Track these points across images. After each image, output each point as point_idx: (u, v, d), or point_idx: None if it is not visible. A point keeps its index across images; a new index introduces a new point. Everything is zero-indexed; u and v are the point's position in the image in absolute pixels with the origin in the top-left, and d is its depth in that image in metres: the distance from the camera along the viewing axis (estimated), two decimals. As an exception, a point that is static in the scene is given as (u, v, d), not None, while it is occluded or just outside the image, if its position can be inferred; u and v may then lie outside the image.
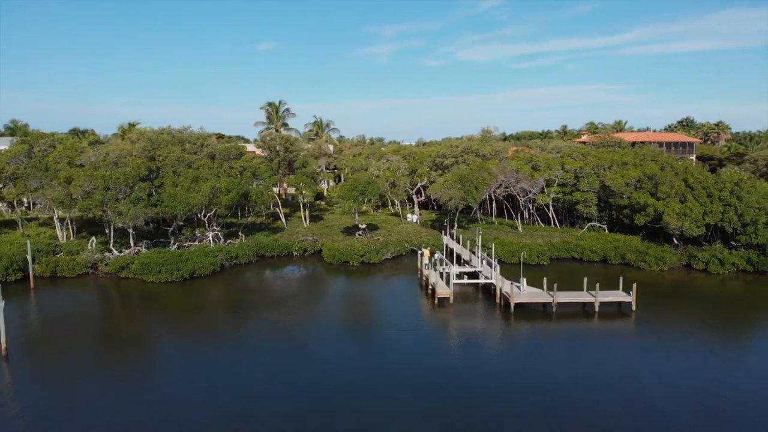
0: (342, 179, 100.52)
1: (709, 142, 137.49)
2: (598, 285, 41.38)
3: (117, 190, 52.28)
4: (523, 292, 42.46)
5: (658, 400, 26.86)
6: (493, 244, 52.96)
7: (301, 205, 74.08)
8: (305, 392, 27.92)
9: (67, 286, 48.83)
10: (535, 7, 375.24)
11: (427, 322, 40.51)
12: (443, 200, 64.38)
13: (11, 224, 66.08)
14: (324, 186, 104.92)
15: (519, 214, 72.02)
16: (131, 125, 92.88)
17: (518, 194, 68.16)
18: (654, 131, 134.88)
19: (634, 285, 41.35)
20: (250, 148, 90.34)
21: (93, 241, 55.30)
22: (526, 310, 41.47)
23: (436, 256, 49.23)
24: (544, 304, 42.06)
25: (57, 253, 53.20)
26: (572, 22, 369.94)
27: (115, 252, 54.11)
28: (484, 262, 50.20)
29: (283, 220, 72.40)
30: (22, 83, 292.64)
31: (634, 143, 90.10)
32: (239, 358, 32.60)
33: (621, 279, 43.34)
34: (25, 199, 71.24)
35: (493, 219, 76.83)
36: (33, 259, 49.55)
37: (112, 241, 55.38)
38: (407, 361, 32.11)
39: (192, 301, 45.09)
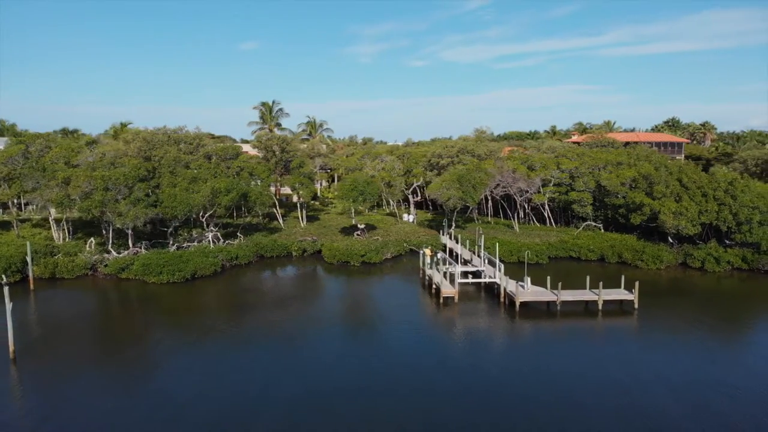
0: (335, 179, 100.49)
1: (695, 142, 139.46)
2: (601, 284, 41.96)
3: (116, 191, 51.83)
4: (527, 291, 42.89)
5: (664, 399, 27.38)
6: (497, 244, 53.36)
7: (299, 205, 73.99)
8: (320, 392, 28.07)
9: (67, 287, 48.35)
10: (517, 8, 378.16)
11: (434, 321, 40.80)
12: (442, 200, 64.68)
13: (5, 225, 65.22)
14: (318, 186, 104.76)
15: (515, 214, 72.57)
16: (123, 125, 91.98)
17: (515, 194, 68.71)
18: (640, 131, 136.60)
19: (637, 283, 41.98)
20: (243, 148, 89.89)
21: (92, 242, 54.78)
22: (530, 308, 41.93)
23: (439, 255, 49.52)
24: (548, 303, 42.53)
25: (55, 255, 52.63)
26: (554, 23, 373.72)
27: (114, 253, 53.67)
28: (486, 261, 50.58)
29: (281, 220, 72.24)
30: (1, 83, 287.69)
31: (627, 143, 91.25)
32: (247, 360, 32.60)
33: (623, 278, 43.99)
34: (15, 200, 70.23)
35: (489, 219, 77.37)
36: (32, 261, 48.99)
37: (110, 242, 54.90)
38: (421, 361, 32.35)
39: (196, 302, 44.93)
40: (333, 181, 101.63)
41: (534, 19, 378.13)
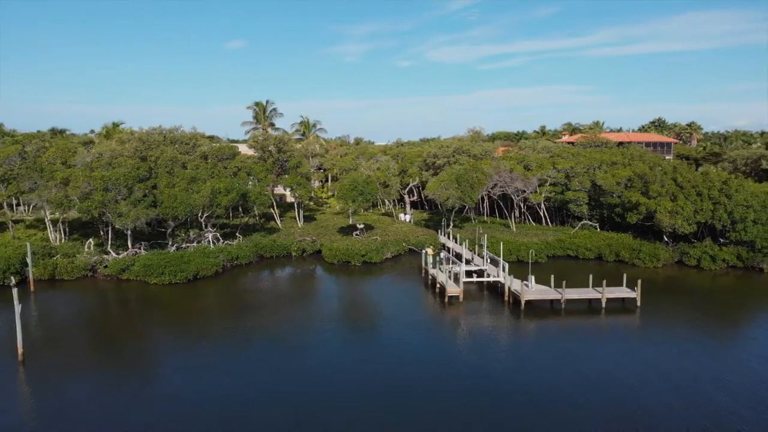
0: (329, 179, 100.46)
1: (681, 142, 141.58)
2: (605, 282, 42.55)
3: (116, 191, 51.42)
4: (531, 290, 43.36)
5: (669, 397, 27.93)
6: (501, 243, 53.83)
7: (296, 205, 73.93)
8: (338, 393, 28.18)
9: (67, 289, 47.92)
10: (501, 9, 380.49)
11: (441, 320, 41.07)
12: (440, 200, 65.03)
13: (-1, 227, 64.36)
14: (312, 186, 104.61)
15: (512, 214, 73.17)
16: (115, 125, 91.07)
17: (513, 194, 69.29)
18: (629, 132, 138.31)
19: (639, 281, 42.66)
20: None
21: (90, 243, 54.28)
22: (535, 307, 42.39)
23: (442, 255, 49.83)
24: (552, 301, 43.04)
25: (53, 256, 52.07)
26: (538, 23, 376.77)
27: (113, 254, 53.23)
28: (488, 260, 51.00)
29: (278, 220, 72.12)
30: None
31: (620, 143, 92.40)
32: (254, 360, 32.60)
33: (624, 276, 44.69)
34: (6, 201, 69.22)
35: (485, 218, 77.92)
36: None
37: (109, 242, 54.44)
38: (432, 360, 32.58)
39: (201, 302, 44.80)
40: (327, 181, 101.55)
41: (518, 19, 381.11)
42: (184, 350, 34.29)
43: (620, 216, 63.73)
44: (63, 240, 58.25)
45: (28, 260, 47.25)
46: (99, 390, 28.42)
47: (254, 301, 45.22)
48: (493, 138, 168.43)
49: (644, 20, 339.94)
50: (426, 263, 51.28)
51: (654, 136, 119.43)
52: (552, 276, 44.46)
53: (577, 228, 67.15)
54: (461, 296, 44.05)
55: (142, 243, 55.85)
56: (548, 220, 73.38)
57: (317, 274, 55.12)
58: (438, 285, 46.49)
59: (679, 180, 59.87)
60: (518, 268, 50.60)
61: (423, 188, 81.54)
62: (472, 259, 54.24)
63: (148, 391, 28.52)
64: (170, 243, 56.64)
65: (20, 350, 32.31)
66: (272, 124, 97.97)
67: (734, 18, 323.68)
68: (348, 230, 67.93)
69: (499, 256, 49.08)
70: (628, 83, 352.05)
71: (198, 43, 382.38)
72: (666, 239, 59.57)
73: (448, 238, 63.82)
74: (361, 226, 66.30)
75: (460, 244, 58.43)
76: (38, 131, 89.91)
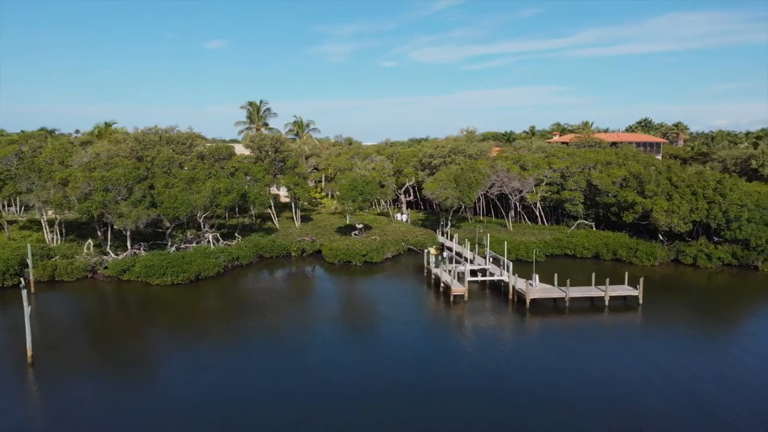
0: (323, 180, 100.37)
1: (668, 142, 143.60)
2: (608, 280, 43.18)
3: (116, 192, 51.01)
4: (536, 289, 43.83)
5: (669, 394, 28.50)
6: (505, 243, 54.23)
7: (293, 205, 73.84)
8: (349, 392, 28.33)
9: (68, 290, 47.48)
10: (485, 9, 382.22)
11: (448, 319, 41.35)
12: (439, 200, 65.36)
13: (-8, 228, 63.40)
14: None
15: (508, 213, 73.73)
16: (107, 125, 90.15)
17: (510, 193, 69.85)
18: (619, 132, 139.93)
19: (641, 279, 43.34)
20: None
21: (90, 244, 53.77)
22: (539, 305, 42.83)
23: (445, 254, 50.14)
24: (555, 300, 43.55)
25: (51, 257, 51.52)
26: (521, 24, 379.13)
27: (112, 255, 52.79)
28: (490, 260, 51.42)
29: (275, 220, 71.97)
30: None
31: (614, 143, 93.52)
32: (260, 360, 32.64)
33: (626, 274, 45.39)
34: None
35: (481, 218, 78.44)
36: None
37: (109, 243, 53.97)
38: (441, 359, 32.87)
39: (205, 303, 44.67)
40: (320, 181, 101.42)
41: (501, 20, 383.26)
42: (188, 351, 34.14)
43: (616, 215, 64.52)
44: (59, 241, 57.60)
45: (29, 261, 46.70)
46: (107, 392, 28.31)
47: (258, 301, 45.14)
48: (483, 138, 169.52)
49: (625, 21, 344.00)
50: (428, 263, 51.57)
51: (643, 137, 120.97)
52: (555, 275, 44.96)
53: (573, 227, 67.87)
54: (466, 295, 44.39)
55: (141, 244, 55.44)
56: (544, 219, 74.07)
57: (319, 274, 55.16)
58: (442, 284, 46.79)
59: (674, 179, 60.77)
60: (518, 268, 51.00)
61: (419, 188, 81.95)
62: (473, 258, 54.64)
63: (152, 392, 28.53)
64: (169, 243, 56.28)
65: (29, 352, 32.01)
66: (266, 124, 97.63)
67: (714, 19, 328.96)
68: (346, 230, 68.01)
69: (501, 256, 49.51)
70: (610, 84, 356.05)
71: (180, 43, 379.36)
72: (661, 238, 60.46)
73: (447, 237, 64.21)
74: (360, 225, 66.42)
75: (460, 244, 58.83)
76: (23, 131, 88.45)
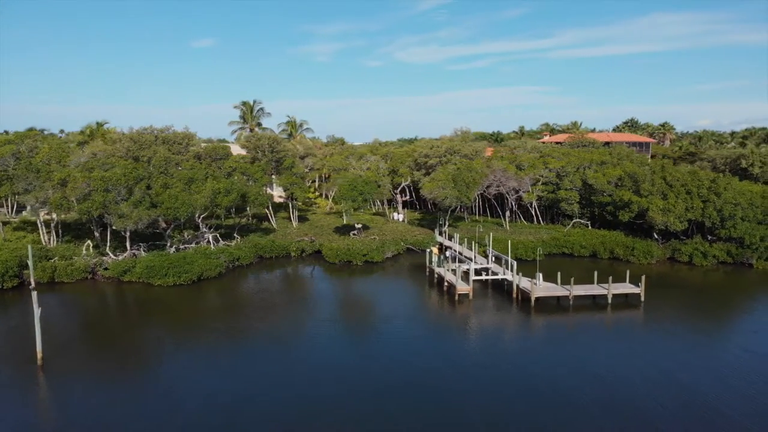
0: (318, 180, 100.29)
1: (656, 141, 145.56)
2: (610, 278, 43.80)
3: (116, 192, 50.57)
4: (540, 287, 44.30)
5: (672, 393, 29.08)
6: (509, 242, 54.67)
7: (290, 205, 73.73)
8: (360, 392, 28.45)
9: (69, 291, 47.01)
10: (469, 10, 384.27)
11: (455, 318, 41.59)
12: (438, 199, 65.70)
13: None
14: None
15: (505, 213, 74.33)
16: (99, 125, 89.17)
17: (508, 193, 70.42)
18: (606, 132, 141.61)
19: (643, 278, 44.01)
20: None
21: (89, 245, 53.23)
22: (543, 303, 43.29)
23: (448, 253, 50.45)
24: (559, 298, 44.06)
25: (50, 259, 50.94)
26: (505, 24, 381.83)
27: (111, 256, 52.32)
28: (492, 259, 51.85)
29: (273, 221, 71.80)
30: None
31: (607, 143, 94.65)
32: (266, 361, 32.55)
33: (627, 272, 46.09)
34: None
35: (478, 217, 78.96)
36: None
37: (108, 244, 53.48)
38: (450, 357, 33.12)
39: (208, 304, 44.52)
40: (315, 181, 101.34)
41: (485, 20, 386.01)
42: (192, 352, 33.87)
43: (611, 214, 65.37)
44: (56, 242, 56.94)
45: (29, 263, 46.12)
46: (117, 394, 28.11)
47: (262, 301, 45.04)
48: (474, 138, 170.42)
49: (608, 22, 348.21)
50: (430, 262, 51.84)
51: (632, 137, 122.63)
52: (559, 273, 45.52)
53: (569, 226, 68.62)
54: (471, 294, 44.73)
55: (141, 244, 55.02)
56: (540, 218, 74.77)
57: (321, 274, 55.16)
58: (446, 283, 47.08)
59: (668, 179, 61.72)
60: (518, 266, 51.35)
61: (414, 188, 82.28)
62: (475, 257, 55.03)
63: (155, 393, 28.43)
64: (169, 244, 55.90)
65: (39, 354, 31.70)
66: (259, 124, 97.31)
67: (696, 20, 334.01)
68: (344, 230, 68.07)
69: (504, 255, 49.93)
70: (595, 84, 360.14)
71: (166, 43, 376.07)
72: (656, 236, 61.37)
73: (445, 237, 64.56)
74: (359, 225, 66.52)
75: (460, 243, 59.19)
76: (6, 131, 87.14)
